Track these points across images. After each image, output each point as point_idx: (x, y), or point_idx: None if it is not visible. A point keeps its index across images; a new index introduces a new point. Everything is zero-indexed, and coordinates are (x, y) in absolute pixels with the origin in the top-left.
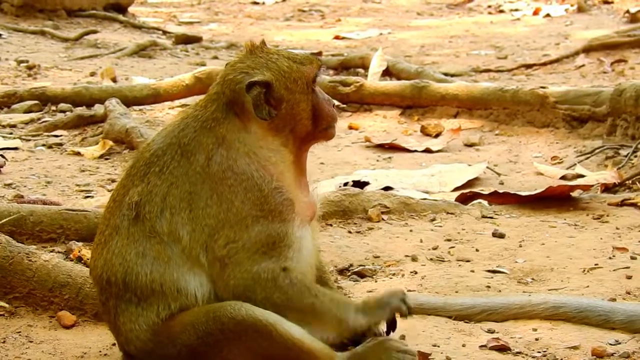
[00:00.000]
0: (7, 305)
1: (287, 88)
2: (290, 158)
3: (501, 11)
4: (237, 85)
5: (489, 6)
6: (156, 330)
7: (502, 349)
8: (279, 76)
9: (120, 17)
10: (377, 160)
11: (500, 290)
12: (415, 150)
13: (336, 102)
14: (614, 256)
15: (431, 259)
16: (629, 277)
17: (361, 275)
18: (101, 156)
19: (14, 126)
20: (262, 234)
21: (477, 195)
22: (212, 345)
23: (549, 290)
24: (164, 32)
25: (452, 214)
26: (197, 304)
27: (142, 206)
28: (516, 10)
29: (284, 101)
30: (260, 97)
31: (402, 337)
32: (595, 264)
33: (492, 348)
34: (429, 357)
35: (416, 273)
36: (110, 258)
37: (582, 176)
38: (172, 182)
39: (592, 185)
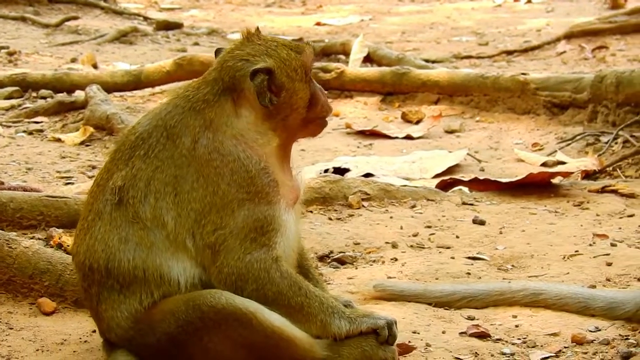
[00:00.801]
0: None
1: (288, 76)
2: (277, 142)
3: None
4: (238, 72)
5: None
6: (137, 318)
7: (482, 335)
8: (280, 64)
9: (101, 3)
10: (358, 147)
11: (480, 277)
12: (396, 137)
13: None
14: (594, 243)
15: (411, 246)
16: (609, 264)
17: (341, 262)
18: (82, 143)
19: None
20: (249, 218)
21: (458, 182)
22: (192, 334)
23: (529, 277)
24: (145, 18)
25: (432, 200)
26: (180, 290)
27: (126, 191)
28: None
29: (284, 89)
30: (263, 85)
31: None
32: (576, 251)
33: (472, 335)
34: (410, 345)
35: (396, 260)
36: (92, 244)
37: (562, 163)
38: (157, 166)
39: (573, 172)
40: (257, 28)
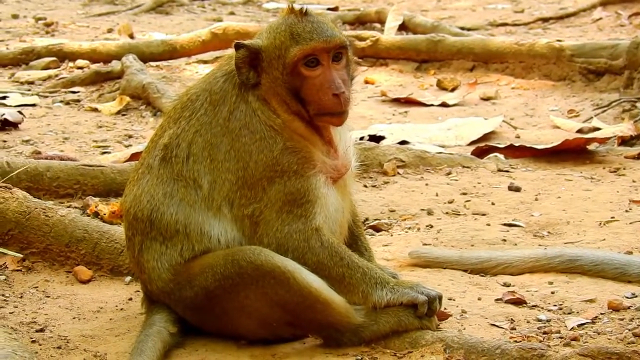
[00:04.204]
0: (18, 255)
1: (269, 63)
2: (299, 122)
3: None
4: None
5: None
6: (177, 270)
7: (518, 302)
8: (270, 48)
9: None
10: (393, 115)
11: (516, 244)
12: (432, 105)
13: (342, 90)
14: (630, 209)
15: (447, 213)
16: None
17: (377, 229)
18: (118, 112)
19: (31, 83)
20: (281, 192)
21: (493, 149)
22: (228, 289)
23: (565, 243)
24: None
25: (467, 167)
26: (221, 248)
27: (171, 149)
28: None
29: (264, 72)
30: (240, 59)
31: None
32: (612, 217)
33: (507, 301)
34: (446, 312)
35: (432, 227)
36: (139, 195)
37: (598, 129)
38: (197, 130)
39: (609, 138)
40: (301, 9)
